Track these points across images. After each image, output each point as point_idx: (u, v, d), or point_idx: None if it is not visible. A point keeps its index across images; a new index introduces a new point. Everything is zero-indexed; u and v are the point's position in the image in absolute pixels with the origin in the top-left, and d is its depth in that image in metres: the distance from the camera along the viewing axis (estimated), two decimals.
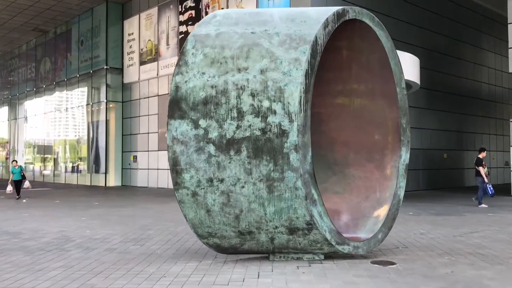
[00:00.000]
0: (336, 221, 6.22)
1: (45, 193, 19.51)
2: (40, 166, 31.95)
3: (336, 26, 5.85)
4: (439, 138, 21.70)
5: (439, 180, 21.32)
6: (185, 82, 5.70)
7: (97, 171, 25.55)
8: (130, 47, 24.61)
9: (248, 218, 5.67)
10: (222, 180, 5.59)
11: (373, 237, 6.02)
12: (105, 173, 24.62)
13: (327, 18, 5.76)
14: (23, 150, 34.60)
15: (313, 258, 5.94)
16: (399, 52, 14.31)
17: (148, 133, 23.55)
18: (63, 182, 28.69)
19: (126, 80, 24.86)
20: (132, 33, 24.54)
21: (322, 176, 6.53)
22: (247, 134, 5.53)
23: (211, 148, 5.58)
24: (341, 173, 6.51)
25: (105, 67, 24.64)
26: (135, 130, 24.32)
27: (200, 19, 17.63)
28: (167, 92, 21.60)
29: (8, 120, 36.87)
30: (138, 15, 24.19)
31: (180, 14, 21.50)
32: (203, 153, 5.60)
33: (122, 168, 25.01)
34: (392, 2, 19.03)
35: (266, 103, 5.54)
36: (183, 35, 21.16)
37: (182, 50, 5.82)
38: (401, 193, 6.31)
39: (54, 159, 30.42)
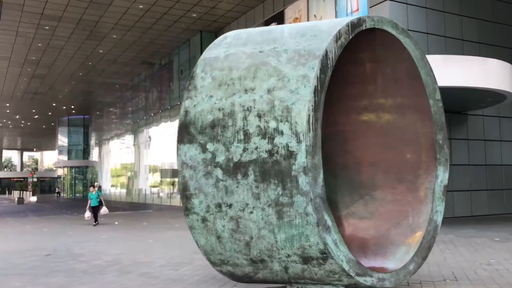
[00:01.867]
0: (362, 249, 5.66)
1: (143, 215, 20.67)
2: (164, 189, 33.08)
3: (351, 37, 5.43)
4: None
5: None
6: (194, 106, 5.65)
7: None
8: None
9: (259, 245, 5.39)
10: (230, 206, 5.40)
11: (403, 268, 5.37)
12: None
13: (339, 30, 5.37)
14: (145, 174, 36.72)
15: None
16: (483, 59, 13.04)
17: None
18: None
19: None
20: None
21: (347, 200, 6.02)
22: (254, 157, 5.29)
23: (219, 172, 5.43)
24: (369, 196, 5.94)
25: None
26: None
27: None
28: None
29: (134, 145, 39.52)
30: None
31: None
32: (211, 178, 5.47)
33: None
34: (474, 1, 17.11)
35: (273, 124, 5.27)
36: None
37: (192, 74, 5.81)
38: (439, 218, 5.58)
39: (174, 182, 31.38)
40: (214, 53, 5.84)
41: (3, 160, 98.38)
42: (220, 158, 5.43)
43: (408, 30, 14.63)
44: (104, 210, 16.37)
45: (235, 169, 5.37)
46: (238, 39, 5.85)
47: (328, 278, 5.34)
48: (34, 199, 43.16)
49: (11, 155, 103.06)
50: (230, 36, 5.97)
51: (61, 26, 23.63)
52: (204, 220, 5.54)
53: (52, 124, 59.29)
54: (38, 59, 29.70)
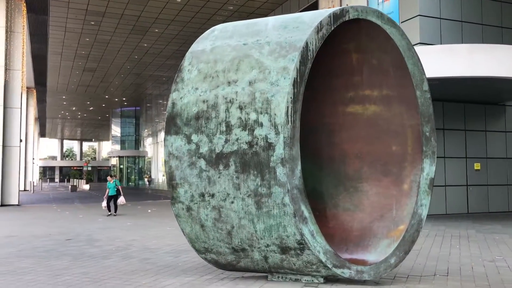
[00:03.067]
0: (344, 241, 5.65)
1: None
2: None
3: (333, 28, 5.40)
4: None
5: None
6: (180, 98, 5.81)
7: None
8: None
9: (240, 234, 5.50)
10: (213, 195, 5.54)
11: (384, 261, 5.32)
12: None
13: (320, 21, 5.35)
14: None
15: (312, 280, 5.49)
16: (509, 47, 12.25)
17: None
18: None
19: None
20: None
21: (332, 192, 6.00)
22: (235, 148, 5.40)
23: (202, 163, 5.58)
24: (353, 189, 5.89)
25: None
26: None
27: None
28: None
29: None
30: None
31: None
32: (195, 168, 5.63)
33: None
34: None
35: (253, 116, 5.35)
36: None
37: (180, 67, 5.97)
38: (424, 212, 5.48)
39: None
40: (201, 46, 5.97)
41: (64, 149, 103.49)
42: (204, 149, 5.58)
43: (441, 18, 14.19)
44: (121, 200, 15.85)
45: (217, 159, 5.50)
46: (224, 32, 5.94)
47: (306, 269, 5.38)
48: (87, 187, 45.27)
49: (72, 145, 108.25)
50: (217, 29, 6.08)
51: (106, 21, 24.53)
52: (188, 209, 5.72)
53: (107, 115, 61.73)
54: (87, 53, 31.00)
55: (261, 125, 5.29)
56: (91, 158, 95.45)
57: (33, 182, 44.96)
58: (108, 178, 16.76)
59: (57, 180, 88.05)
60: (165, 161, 5.86)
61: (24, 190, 40.32)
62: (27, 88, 40.87)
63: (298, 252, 5.27)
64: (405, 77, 5.55)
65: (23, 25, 21.55)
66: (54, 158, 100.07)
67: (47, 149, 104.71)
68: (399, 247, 5.35)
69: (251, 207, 5.35)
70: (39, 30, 24.93)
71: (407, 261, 6.68)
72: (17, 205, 20.54)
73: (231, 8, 22.66)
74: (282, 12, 22.49)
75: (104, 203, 15.68)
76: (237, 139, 5.39)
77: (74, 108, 57.12)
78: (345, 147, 6.01)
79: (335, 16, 5.40)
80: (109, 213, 15.44)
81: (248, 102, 5.39)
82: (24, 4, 21.42)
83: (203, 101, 5.64)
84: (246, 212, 5.39)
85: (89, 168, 66.33)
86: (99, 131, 79.44)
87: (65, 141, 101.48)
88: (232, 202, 5.44)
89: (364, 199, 5.81)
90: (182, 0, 21.64)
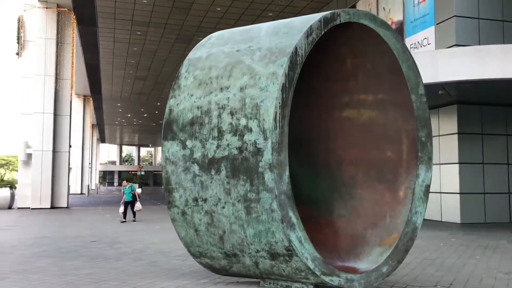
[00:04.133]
0: (336, 248, 5.55)
1: None
2: None
3: (323, 32, 5.35)
4: None
5: None
6: (177, 104, 5.94)
7: None
8: None
9: (231, 239, 5.53)
10: (205, 200, 5.61)
11: (375, 270, 5.18)
12: None
13: (310, 26, 5.32)
14: None
15: (302, 287, 5.42)
16: None
17: None
18: None
19: None
20: None
21: (328, 198, 5.90)
22: (226, 153, 5.45)
23: (196, 168, 5.67)
24: (348, 195, 5.76)
25: None
26: None
27: None
28: None
29: None
30: None
31: None
32: (189, 173, 5.72)
33: None
34: None
35: (243, 121, 5.38)
36: None
37: (177, 74, 6.10)
38: (418, 219, 5.29)
39: None
40: (198, 53, 6.07)
41: (124, 155, 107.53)
42: (197, 154, 5.66)
43: (479, 18, 13.60)
44: (137, 206, 15.10)
45: (209, 165, 5.56)
46: (220, 39, 6.02)
47: (296, 276, 5.33)
48: (139, 191, 46.79)
49: (132, 150, 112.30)
50: (214, 36, 6.17)
51: (151, 31, 25.35)
52: (183, 213, 5.81)
53: (160, 122, 63.50)
54: (137, 62, 32.12)
55: (251, 130, 5.31)
56: (148, 163, 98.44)
57: (90, 185, 47.08)
58: (124, 183, 15.78)
59: (116, 184, 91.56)
60: (162, 166, 6.00)
61: (81, 193, 42.27)
62: (83, 96, 42.95)
63: (287, 258, 5.23)
64: (400, 81, 5.39)
65: (73, 37, 22.68)
66: (113, 163, 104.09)
67: (108, 154, 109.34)
68: (391, 256, 5.19)
69: (241, 212, 5.37)
70: (90, 41, 26.18)
71: (414, 270, 6.46)
72: (66, 207, 21.56)
73: (271, 14, 22.78)
74: None
75: (121, 209, 14.72)
76: (228, 145, 5.44)
77: (129, 115, 59.23)
78: (341, 153, 5.89)
79: (325, 20, 5.35)
80: (124, 220, 14.46)
81: (239, 107, 5.43)
82: (74, 17, 22.55)
83: (198, 107, 5.74)
84: (237, 217, 5.42)
85: (143, 173, 68.42)
86: (155, 137, 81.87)
87: (124, 147, 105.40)
88: (223, 207, 5.48)
89: (359, 206, 5.67)
90: (222, 8, 22.00)
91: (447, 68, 10.92)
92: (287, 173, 5.20)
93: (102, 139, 78.62)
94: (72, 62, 22.77)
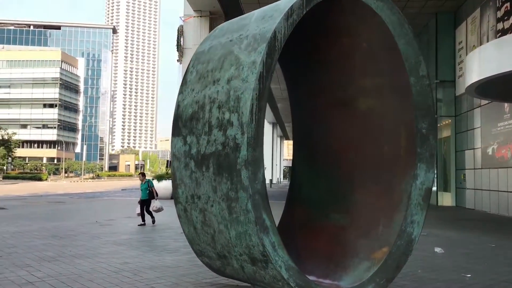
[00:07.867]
0: (326, 259, 4.84)
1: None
2: None
3: (305, 11, 4.74)
4: None
5: None
6: (183, 100, 5.88)
7: None
8: (460, 56, 22.57)
9: (220, 240, 5.27)
10: (199, 197, 5.45)
11: (358, 287, 4.38)
12: (436, 190, 23.31)
13: (291, 6, 4.78)
14: None
15: None
16: None
17: (474, 148, 20.93)
18: None
19: (458, 93, 22.91)
20: (461, 42, 22.49)
21: (325, 201, 5.14)
22: (213, 149, 5.22)
23: (192, 164, 5.54)
24: (345, 199, 4.90)
25: (435, 81, 23.45)
26: (463, 146, 22.13)
27: None
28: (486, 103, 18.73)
29: None
30: (465, 21, 22.02)
31: (497, 10, 18.37)
32: (188, 169, 5.62)
33: (456, 188, 23.04)
34: None
35: (227, 115, 5.10)
36: (500, 33, 17.93)
37: (186, 69, 6.02)
38: (415, 230, 4.32)
39: None
40: (202, 47, 5.92)
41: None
42: (194, 150, 5.52)
43: None
44: (154, 205, 11.97)
45: (202, 161, 5.38)
46: (221, 30, 5.78)
47: (275, 285, 4.83)
48: None
49: None
50: (218, 28, 5.94)
51: None
52: (185, 210, 5.73)
53: None
54: None
55: (232, 124, 4.99)
56: None
57: (272, 179, 54.70)
58: (140, 177, 12.73)
59: None
60: (170, 162, 6.02)
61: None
62: None
63: (264, 265, 4.78)
64: (396, 60, 4.47)
65: None
66: None
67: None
68: (378, 272, 4.32)
69: (225, 212, 5.09)
70: None
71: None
72: None
73: None
74: None
75: (138, 209, 12.15)
76: (215, 140, 5.20)
77: None
78: (339, 150, 5.06)
79: None
80: (142, 222, 11.72)
81: (225, 101, 5.15)
82: (225, 20, 23.98)
83: (196, 102, 5.61)
84: (222, 217, 5.14)
85: None
86: None
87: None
88: (212, 206, 5.26)
89: (354, 211, 4.81)
90: None
91: None
92: (262, 170, 4.76)
93: (285, 136, 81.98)
94: None
